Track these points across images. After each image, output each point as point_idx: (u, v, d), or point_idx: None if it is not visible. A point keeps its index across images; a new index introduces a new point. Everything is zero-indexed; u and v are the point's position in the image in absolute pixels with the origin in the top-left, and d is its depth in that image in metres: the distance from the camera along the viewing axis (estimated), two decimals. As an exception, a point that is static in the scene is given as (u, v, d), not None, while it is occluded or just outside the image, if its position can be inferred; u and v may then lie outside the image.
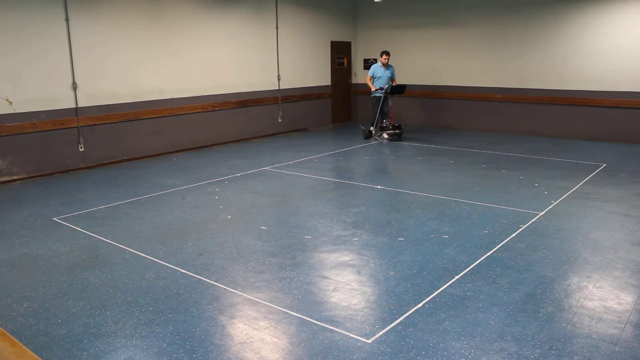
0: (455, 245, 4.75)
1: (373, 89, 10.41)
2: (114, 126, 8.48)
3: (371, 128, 10.56)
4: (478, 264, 4.34)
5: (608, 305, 3.62)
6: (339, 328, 3.35)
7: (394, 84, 10.41)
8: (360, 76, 13.42)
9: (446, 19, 11.68)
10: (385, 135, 10.33)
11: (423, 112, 12.50)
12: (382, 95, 10.29)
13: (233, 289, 3.95)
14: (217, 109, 10.05)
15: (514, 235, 5.00)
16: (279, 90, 11.32)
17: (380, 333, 3.29)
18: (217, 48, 9.92)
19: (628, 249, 4.63)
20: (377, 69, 10.49)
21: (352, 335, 3.27)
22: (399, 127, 10.38)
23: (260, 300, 3.75)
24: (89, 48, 7.99)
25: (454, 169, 7.91)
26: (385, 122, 10.41)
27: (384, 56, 10.42)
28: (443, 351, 3.08)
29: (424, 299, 3.73)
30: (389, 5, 12.33)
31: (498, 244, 4.76)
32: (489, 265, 4.31)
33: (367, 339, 3.22)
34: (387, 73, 10.47)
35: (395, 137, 10.32)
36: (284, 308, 3.63)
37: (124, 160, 8.67)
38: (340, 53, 12.93)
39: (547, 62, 10.57)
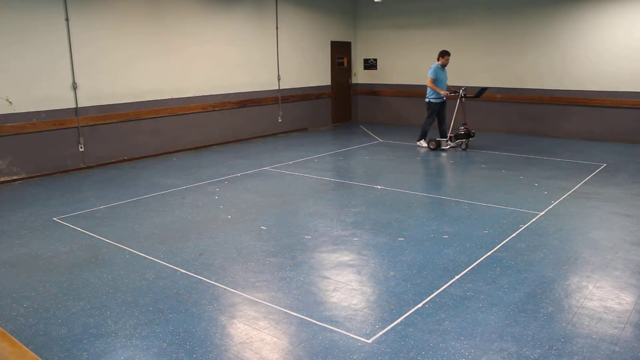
0: (455, 245, 4.74)
1: (443, 93, 9.19)
2: (114, 126, 8.48)
3: (438, 137, 9.49)
4: (478, 264, 4.34)
5: (608, 305, 3.62)
6: (339, 328, 3.35)
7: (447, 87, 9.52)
8: (361, 76, 13.42)
9: (446, 19, 11.69)
10: (449, 143, 9.37)
11: (423, 112, 12.47)
12: (443, 100, 9.38)
13: (233, 289, 3.95)
14: (217, 109, 10.05)
15: (514, 235, 5.00)
16: (279, 90, 11.32)
17: (380, 333, 3.29)
18: (217, 48, 9.92)
19: (628, 249, 4.63)
20: (438, 70, 9.31)
21: (352, 335, 3.27)
22: (473, 135, 9.40)
23: (260, 300, 3.75)
24: (89, 48, 7.99)
25: (454, 169, 7.91)
26: (462, 129, 9.28)
27: (446, 57, 9.31)
28: (443, 351, 3.08)
29: (424, 299, 3.73)
30: (389, 5, 12.33)
31: (498, 244, 4.76)
32: (489, 265, 4.31)
33: (367, 339, 3.22)
34: (446, 75, 9.47)
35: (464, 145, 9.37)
36: (284, 308, 3.63)
37: (124, 160, 8.67)
38: (340, 53, 12.93)
39: (547, 62, 10.57)
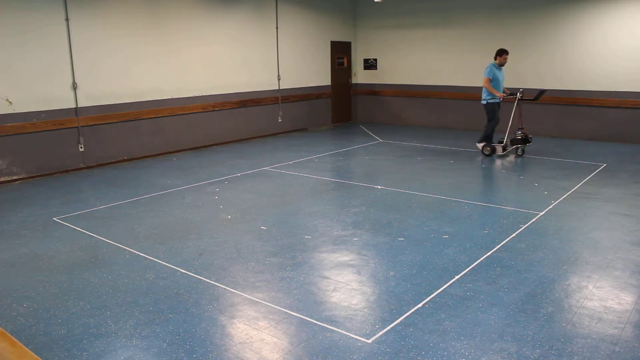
0: (455, 245, 4.74)
1: (499, 95, 8.60)
2: (114, 126, 8.48)
3: (493, 143, 8.93)
4: (478, 264, 4.34)
5: (608, 305, 3.62)
6: (339, 328, 3.35)
7: (509, 89, 9.05)
8: (361, 76, 13.42)
9: (446, 19, 11.69)
10: (500, 150, 8.76)
11: (424, 112, 12.50)
12: (500, 101, 8.78)
13: (233, 289, 3.95)
14: (217, 109, 10.05)
15: (514, 235, 5.00)
16: (279, 90, 11.32)
17: (380, 333, 3.29)
18: (217, 48, 9.92)
19: (628, 249, 4.63)
20: (494, 70, 8.70)
21: (352, 335, 3.27)
22: (530, 140, 8.78)
23: (260, 300, 3.75)
24: (89, 48, 8.00)
25: (454, 169, 7.91)
26: (519, 133, 8.67)
27: (504, 55, 8.70)
28: (443, 351, 3.08)
29: (424, 299, 3.73)
30: (389, 5, 12.34)
31: (498, 244, 4.76)
32: (489, 265, 4.31)
33: (367, 339, 3.22)
34: (503, 75, 8.90)
35: (521, 151, 8.78)
36: (284, 308, 3.63)
37: (124, 160, 8.67)
38: (340, 53, 12.93)
39: (547, 62, 10.57)
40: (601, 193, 6.42)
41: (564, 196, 6.30)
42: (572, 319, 3.43)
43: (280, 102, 11.37)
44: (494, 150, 8.82)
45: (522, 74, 10.85)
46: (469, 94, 11.59)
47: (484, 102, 8.87)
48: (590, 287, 3.90)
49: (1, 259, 4.58)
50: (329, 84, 12.69)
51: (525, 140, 8.67)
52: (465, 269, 4.22)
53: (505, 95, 8.70)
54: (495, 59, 8.81)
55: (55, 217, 5.74)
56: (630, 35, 9.56)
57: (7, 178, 7.33)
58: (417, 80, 12.38)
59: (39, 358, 1.37)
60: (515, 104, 8.84)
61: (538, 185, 6.87)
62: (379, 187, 6.86)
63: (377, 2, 12.08)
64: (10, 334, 1.43)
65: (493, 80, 8.69)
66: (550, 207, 5.88)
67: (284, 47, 11.30)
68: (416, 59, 12.28)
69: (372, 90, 13.25)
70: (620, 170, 7.63)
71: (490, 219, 5.50)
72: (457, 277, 4.09)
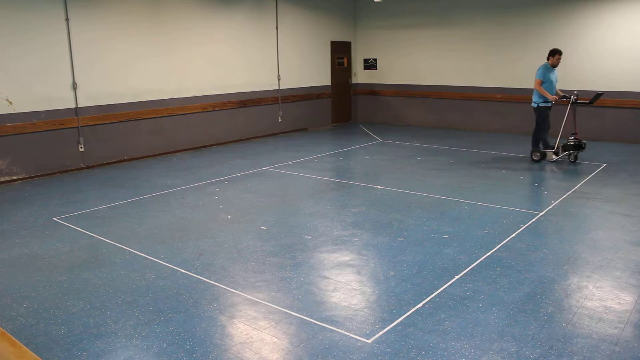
0: (455, 245, 4.74)
1: (552, 98, 8.14)
2: (114, 126, 8.48)
3: (542, 147, 8.46)
4: (478, 264, 4.34)
5: (608, 305, 3.62)
6: (339, 328, 3.35)
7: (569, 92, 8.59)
8: (361, 76, 13.42)
9: (446, 19, 11.69)
10: (554, 156, 8.27)
11: (423, 112, 12.50)
12: (552, 105, 8.34)
13: (233, 289, 3.95)
14: (217, 109, 10.05)
15: (514, 235, 5.00)
16: (279, 90, 11.32)
17: (380, 333, 3.29)
18: (217, 48, 9.92)
19: (628, 249, 4.63)
20: (547, 71, 8.23)
21: (352, 335, 3.27)
22: (584, 146, 8.18)
23: (260, 300, 3.75)
24: (89, 48, 8.00)
25: (454, 169, 7.91)
26: (572, 139, 8.12)
27: (557, 56, 8.19)
28: (443, 351, 3.08)
29: (424, 299, 3.73)
30: (389, 5, 12.34)
31: (498, 244, 4.76)
32: (489, 265, 4.31)
33: (367, 339, 3.22)
34: (556, 77, 8.42)
35: (573, 158, 8.24)
36: (284, 308, 3.63)
37: (124, 160, 8.67)
38: (340, 53, 12.93)
39: (547, 62, 10.56)
40: (601, 193, 6.42)
41: (564, 196, 6.30)
42: (572, 319, 3.43)
43: (280, 102, 11.37)
44: (544, 156, 8.35)
45: (522, 74, 10.85)
46: (469, 94, 11.60)
47: (534, 105, 8.41)
48: (590, 287, 3.90)
49: (1, 259, 4.58)
50: (329, 84, 12.69)
51: (578, 146, 8.10)
52: (465, 269, 4.22)
53: (557, 97, 8.23)
54: (548, 59, 8.30)
55: (55, 217, 5.74)
56: (630, 35, 9.57)
57: (7, 178, 7.33)
58: (417, 80, 12.39)
59: (38, 358, 1.38)
60: (569, 107, 8.30)
61: (538, 185, 6.87)
62: (379, 187, 6.86)
63: (377, 2, 12.08)
64: (10, 334, 1.44)
65: (545, 82, 8.22)
66: (550, 207, 5.88)
67: (284, 47, 11.30)
68: (416, 59, 12.28)
69: (372, 90, 13.25)
70: (620, 170, 7.63)
71: (490, 219, 5.50)
72: (457, 277, 4.09)
